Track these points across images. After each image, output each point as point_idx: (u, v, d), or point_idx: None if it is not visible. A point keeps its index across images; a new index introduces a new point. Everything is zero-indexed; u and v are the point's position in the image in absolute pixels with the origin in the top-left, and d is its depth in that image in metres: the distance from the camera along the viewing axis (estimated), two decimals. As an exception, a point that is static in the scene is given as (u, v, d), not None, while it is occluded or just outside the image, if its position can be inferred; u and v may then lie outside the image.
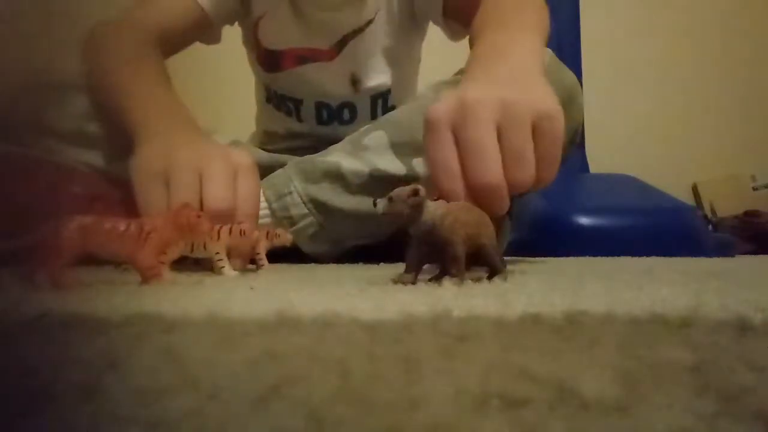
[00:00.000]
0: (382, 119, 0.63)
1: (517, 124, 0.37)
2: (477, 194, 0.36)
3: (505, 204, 0.37)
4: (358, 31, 0.75)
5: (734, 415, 0.10)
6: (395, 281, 0.32)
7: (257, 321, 0.18)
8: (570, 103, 0.56)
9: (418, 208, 0.30)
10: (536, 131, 0.37)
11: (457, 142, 0.37)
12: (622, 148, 1.66)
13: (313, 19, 0.75)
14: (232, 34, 0.82)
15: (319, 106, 0.80)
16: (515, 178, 0.36)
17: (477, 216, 0.33)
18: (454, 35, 0.76)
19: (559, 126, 0.38)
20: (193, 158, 0.45)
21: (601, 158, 1.49)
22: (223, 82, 1.40)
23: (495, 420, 0.10)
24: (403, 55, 0.81)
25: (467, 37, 0.74)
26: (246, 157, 0.49)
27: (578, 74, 1.18)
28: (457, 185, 0.37)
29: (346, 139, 0.62)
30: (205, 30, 0.73)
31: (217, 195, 0.44)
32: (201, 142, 0.49)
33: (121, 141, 0.53)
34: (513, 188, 0.37)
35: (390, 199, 0.30)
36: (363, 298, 0.25)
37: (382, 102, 0.81)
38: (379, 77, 0.79)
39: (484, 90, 0.39)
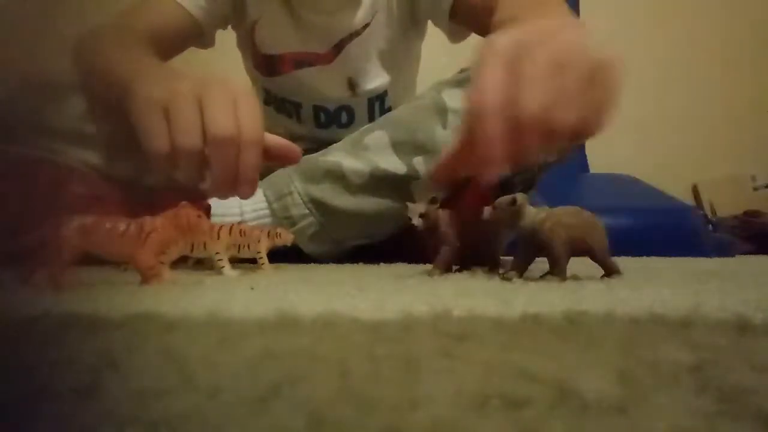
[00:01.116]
0: (383, 119, 0.63)
1: (575, 67, 0.35)
2: (515, 128, 0.34)
3: (535, 149, 0.35)
4: (355, 34, 0.75)
5: (734, 415, 0.10)
6: (502, 278, 0.35)
7: (257, 321, 0.18)
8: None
9: (516, 214, 0.34)
10: (592, 80, 0.35)
11: (512, 78, 0.35)
12: (622, 148, 1.66)
13: (309, 23, 0.75)
14: (230, 36, 0.81)
15: (317, 110, 0.80)
16: (560, 117, 0.34)
17: (583, 219, 0.34)
18: (455, 37, 0.75)
19: (616, 76, 0.36)
20: (192, 86, 0.44)
21: (601, 158, 1.49)
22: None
23: (495, 420, 0.10)
24: (401, 57, 0.81)
25: (468, 38, 0.74)
26: (243, 85, 0.47)
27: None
28: (493, 119, 0.34)
29: (347, 138, 0.62)
30: (196, 36, 0.73)
31: (219, 121, 0.43)
32: (197, 75, 0.47)
33: (119, 141, 0.53)
34: (554, 126, 0.34)
35: (494, 207, 0.34)
36: (363, 298, 0.25)
37: (379, 104, 0.81)
38: (376, 80, 0.78)
39: (546, 32, 0.37)
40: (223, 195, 0.43)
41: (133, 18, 0.66)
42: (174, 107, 0.42)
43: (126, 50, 0.56)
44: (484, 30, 0.64)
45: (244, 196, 0.43)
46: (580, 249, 0.34)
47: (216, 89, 0.44)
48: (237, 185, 0.42)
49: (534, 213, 0.34)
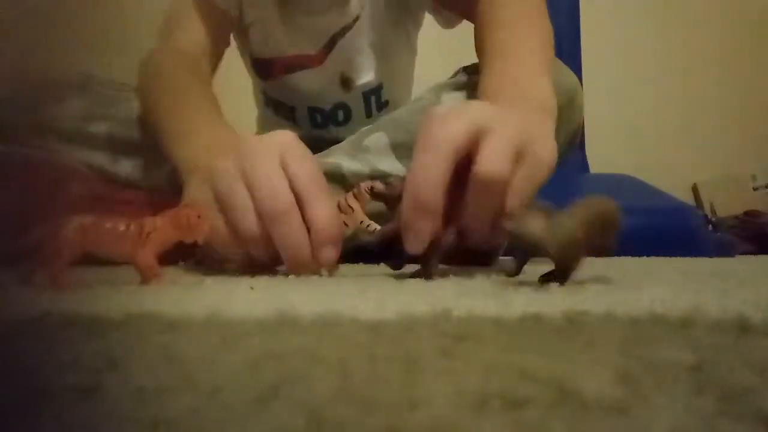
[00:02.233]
0: (382, 120, 0.63)
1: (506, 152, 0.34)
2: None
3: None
4: (346, 29, 0.75)
5: (734, 415, 0.10)
6: (507, 275, 0.34)
7: (257, 321, 0.18)
8: (570, 104, 0.56)
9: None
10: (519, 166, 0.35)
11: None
12: (622, 148, 1.66)
13: (301, 25, 0.74)
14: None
15: (313, 111, 0.80)
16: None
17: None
18: (447, 23, 0.75)
19: (544, 164, 0.36)
20: (233, 161, 0.39)
21: (601, 158, 1.49)
22: (224, 82, 1.40)
23: (495, 420, 0.10)
24: (394, 48, 0.80)
25: (459, 24, 0.73)
26: (288, 133, 0.41)
27: (578, 74, 1.18)
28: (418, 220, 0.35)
29: (347, 140, 0.62)
30: (227, 33, 0.73)
31: (267, 195, 0.36)
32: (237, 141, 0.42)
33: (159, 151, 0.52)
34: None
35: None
36: (363, 298, 0.25)
37: (375, 98, 0.80)
38: (370, 73, 0.78)
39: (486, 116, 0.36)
40: (306, 272, 0.37)
41: (182, 31, 0.65)
42: (224, 196, 0.38)
43: (178, 97, 0.55)
44: (468, 14, 0.63)
45: (327, 262, 0.38)
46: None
47: (258, 154, 0.38)
48: (315, 255, 0.37)
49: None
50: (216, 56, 0.69)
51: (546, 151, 0.37)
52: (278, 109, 0.82)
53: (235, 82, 0.98)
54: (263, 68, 0.78)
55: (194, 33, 0.66)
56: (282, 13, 0.74)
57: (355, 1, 0.74)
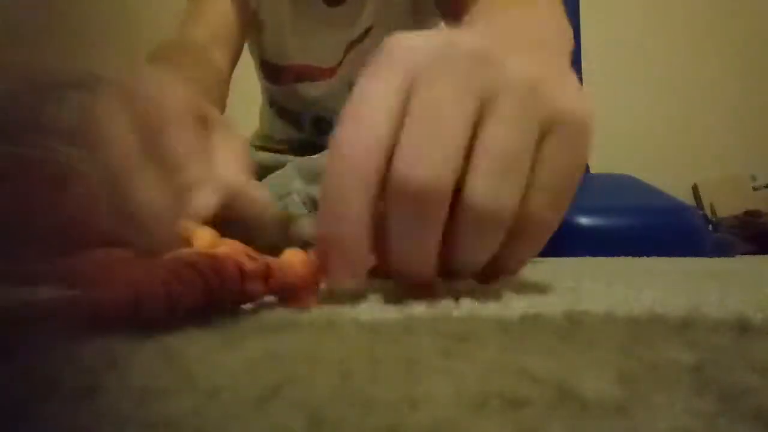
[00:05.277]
0: None
1: (515, 106, 0.20)
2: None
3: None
4: (358, 40, 0.74)
5: (734, 415, 0.10)
6: None
7: (257, 321, 0.19)
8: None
9: None
10: (547, 139, 0.22)
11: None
12: (622, 148, 1.66)
13: (315, 35, 0.74)
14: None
15: (318, 120, 0.80)
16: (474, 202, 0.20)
17: None
18: None
19: (584, 140, 0.23)
20: None
21: (601, 158, 1.49)
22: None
23: (495, 420, 0.10)
24: None
25: None
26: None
27: (578, 74, 1.18)
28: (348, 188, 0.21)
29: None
30: (248, 29, 0.70)
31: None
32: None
33: None
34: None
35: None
36: (363, 298, 0.25)
37: None
38: None
39: (477, 40, 0.22)
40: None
41: (198, 26, 0.62)
42: None
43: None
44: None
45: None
46: None
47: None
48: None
49: None
50: (237, 46, 0.66)
51: (578, 103, 0.24)
52: (282, 113, 0.82)
53: (240, 81, 0.98)
54: (272, 73, 0.78)
55: (210, 23, 0.62)
56: (297, 22, 0.74)
57: (368, 12, 0.73)
